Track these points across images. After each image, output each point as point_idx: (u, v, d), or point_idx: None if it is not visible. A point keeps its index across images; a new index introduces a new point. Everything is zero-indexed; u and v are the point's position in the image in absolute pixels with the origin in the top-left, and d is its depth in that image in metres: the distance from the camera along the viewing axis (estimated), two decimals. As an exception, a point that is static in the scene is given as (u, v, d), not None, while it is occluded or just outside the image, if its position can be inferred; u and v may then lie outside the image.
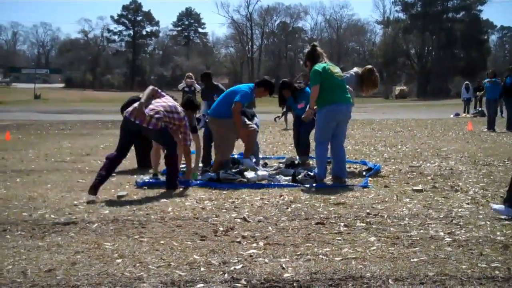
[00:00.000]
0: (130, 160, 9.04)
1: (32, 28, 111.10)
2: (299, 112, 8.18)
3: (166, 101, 6.44)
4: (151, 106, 6.23)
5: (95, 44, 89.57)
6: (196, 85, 15.36)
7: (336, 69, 6.99)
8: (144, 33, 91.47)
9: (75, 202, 5.67)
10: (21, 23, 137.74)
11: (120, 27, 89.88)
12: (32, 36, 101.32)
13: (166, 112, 6.27)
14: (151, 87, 6.51)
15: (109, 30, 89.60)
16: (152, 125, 6.12)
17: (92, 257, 3.79)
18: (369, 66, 8.20)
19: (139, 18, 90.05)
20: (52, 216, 5.07)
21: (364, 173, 7.54)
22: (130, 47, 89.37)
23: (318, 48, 7.06)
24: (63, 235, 4.38)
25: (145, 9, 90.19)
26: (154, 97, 6.46)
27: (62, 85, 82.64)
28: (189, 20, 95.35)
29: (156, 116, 6.15)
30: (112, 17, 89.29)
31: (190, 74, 16.26)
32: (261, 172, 7.23)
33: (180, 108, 6.56)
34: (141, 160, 8.39)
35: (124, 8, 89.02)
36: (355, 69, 8.34)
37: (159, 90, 6.62)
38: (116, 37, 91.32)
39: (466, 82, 27.20)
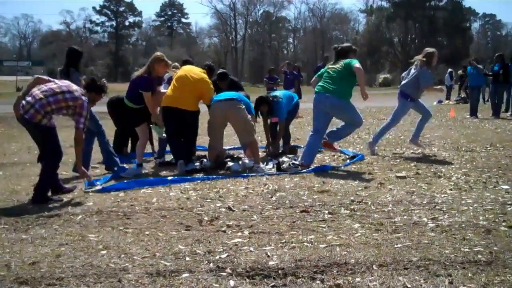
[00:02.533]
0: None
1: (13, 20, 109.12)
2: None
3: (55, 84, 5.48)
4: (31, 94, 5.36)
5: (78, 35, 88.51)
6: None
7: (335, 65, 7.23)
8: (127, 23, 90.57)
9: (59, 195, 5.62)
10: (2, 15, 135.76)
11: (103, 18, 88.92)
12: (14, 28, 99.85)
13: (52, 96, 5.30)
14: (35, 76, 5.63)
15: (91, 21, 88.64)
16: (29, 116, 5.25)
17: (76, 249, 3.77)
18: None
19: (121, 9, 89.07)
20: (36, 208, 5.04)
21: (347, 160, 7.59)
22: (113, 38, 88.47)
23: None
24: (47, 228, 4.36)
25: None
26: (40, 85, 5.48)
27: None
28: (172, 10, 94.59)
29: (36, 105, 5.23)
30: (94, 8, 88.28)
31: (176, 64, 16.13)
32: (246, 161, 7.23)
33: (76, 88, 5.56)
34: (118, 145, 8.36)
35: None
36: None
37: (48, 78, 5.64)
38: (98, 28, 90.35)
39: (450, 69, 27.31)
